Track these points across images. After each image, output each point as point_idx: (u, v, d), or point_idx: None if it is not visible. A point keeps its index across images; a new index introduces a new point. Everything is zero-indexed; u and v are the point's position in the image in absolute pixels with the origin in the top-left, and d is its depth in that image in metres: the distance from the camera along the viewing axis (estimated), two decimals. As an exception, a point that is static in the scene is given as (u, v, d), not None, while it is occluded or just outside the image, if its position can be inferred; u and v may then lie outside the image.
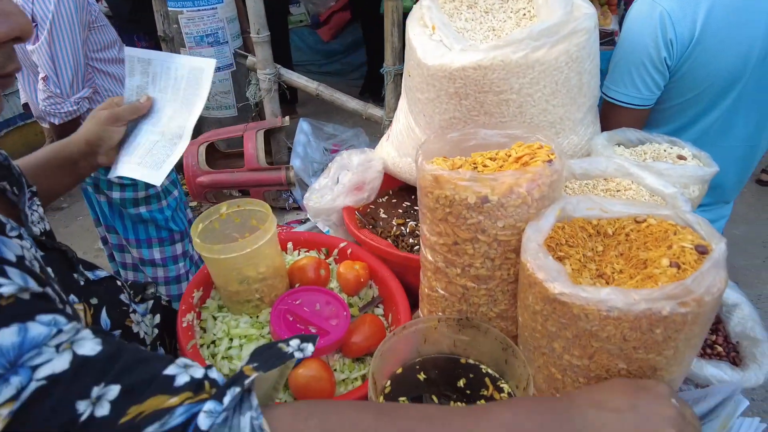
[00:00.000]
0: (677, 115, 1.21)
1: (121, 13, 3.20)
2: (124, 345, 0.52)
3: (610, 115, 1.19)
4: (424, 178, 0.75)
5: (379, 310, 1.05)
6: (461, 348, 0.85)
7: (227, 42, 3.02)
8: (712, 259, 0.58)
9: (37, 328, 0.47)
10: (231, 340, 0.93)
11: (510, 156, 0.78)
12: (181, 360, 0.52)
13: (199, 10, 2.86)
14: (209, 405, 0.47)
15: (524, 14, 1.08)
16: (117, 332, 0.80)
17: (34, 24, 1.77)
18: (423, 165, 0.75)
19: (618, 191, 0.90)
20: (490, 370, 0.82)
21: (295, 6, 5.08)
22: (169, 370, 0.50)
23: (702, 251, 0.62)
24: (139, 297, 0.97)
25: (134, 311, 0.88)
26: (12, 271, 0.50)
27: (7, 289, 0.48)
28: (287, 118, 2.88)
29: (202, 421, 0.46)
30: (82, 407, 0.46)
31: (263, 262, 0.93)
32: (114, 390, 0.47)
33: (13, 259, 0.52)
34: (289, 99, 3.86)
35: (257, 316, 0.97)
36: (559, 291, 0.60)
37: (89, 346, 0.49)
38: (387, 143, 1.33)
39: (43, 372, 0.46)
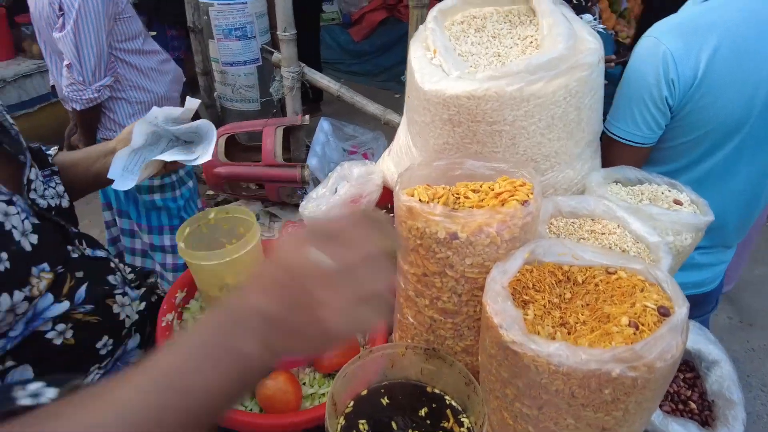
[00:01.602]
0: (679, 155, 1.18)
1: (148, 3, 3.29)
2: None
3: (611, 150, 1.17)
4: (399, 207, 0.75)
5: (358, 327, 1.05)
6: (428, 377, 0.85)
7: (255, 37, 3.06)
8: (670, 324, 0.57)
9: None
10: (207, 343, 0.95)
11: (492, 190, 0.78)
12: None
13: (229, 3, 2.90)
14: None
15: (531, 42, 1.06)
16: (89, 306, 0.84)
17: (61, 12, 1.83)
18: (399, 195, 0.75)
19: (603, 234, 0.88)
20: (453, 402, 0.82)
21: (329, 3, 5.10)
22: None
23: (664, 313, 0.60)
24: (137, 283, 1.00)
25: (124, 294, 0.92)
26: None
27: None
28: (307, 117, 2.89)
29: None
30: None
31: (244, 271, 0.94)
32: None
33: None
34: (314, 98, 3.87)
35: (235, 323, 0.98)
36: (511, 339, 0.59)
37: None
38: (388, 158, 1.33)
39: None
